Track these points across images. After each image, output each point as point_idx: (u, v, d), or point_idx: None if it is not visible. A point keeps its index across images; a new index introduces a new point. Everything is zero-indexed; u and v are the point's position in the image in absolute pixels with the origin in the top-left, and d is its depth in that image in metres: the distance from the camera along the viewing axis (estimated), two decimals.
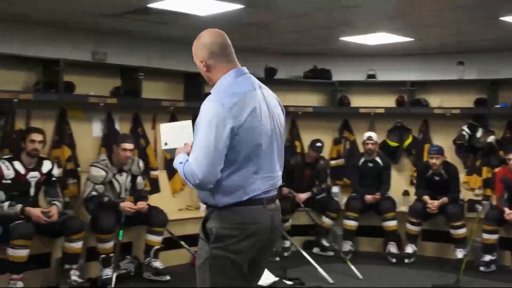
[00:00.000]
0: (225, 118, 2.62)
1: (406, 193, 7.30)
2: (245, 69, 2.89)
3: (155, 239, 5.74)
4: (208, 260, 2.73)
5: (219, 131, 2.61)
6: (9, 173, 5.09)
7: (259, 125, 2.72)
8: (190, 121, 2.94)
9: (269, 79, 7.45)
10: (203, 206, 6.83)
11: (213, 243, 2.72)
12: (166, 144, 2.94)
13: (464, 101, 7.28)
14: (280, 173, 2.89)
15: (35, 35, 5.85)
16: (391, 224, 6.70)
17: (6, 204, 5.02)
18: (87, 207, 5.67)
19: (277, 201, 2.88)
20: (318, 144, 7.09)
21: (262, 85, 2.90)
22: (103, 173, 5.62)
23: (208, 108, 2.67)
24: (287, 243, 6.81)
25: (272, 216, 2.81)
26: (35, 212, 5.07)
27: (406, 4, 5.07)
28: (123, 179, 5.80)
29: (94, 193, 5.59)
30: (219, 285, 2.73)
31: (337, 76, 7.73)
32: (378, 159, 6.99)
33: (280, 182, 2.89)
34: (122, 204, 5.56)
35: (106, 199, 5.58)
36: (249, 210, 2.73)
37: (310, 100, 7.80)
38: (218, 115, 2.62)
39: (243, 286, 2.77)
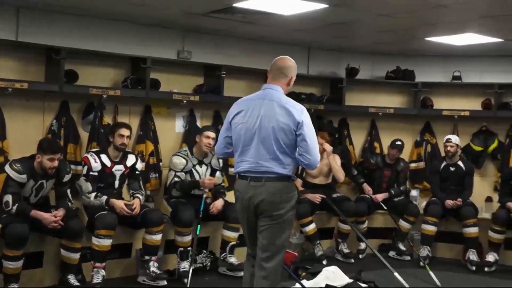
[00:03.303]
0: (228, 115, 3.95)
1: (489, 199, 7.06)
2: (270, 85, 3.92)
3: (231, 235, 5.84)
4: None
5: (224, 123, 4.01)
6: (96, 165, 5.33)
7: (242, 122, 3.82)
8: None
9: (350, 79, 7.41)
10: None
11: None
12: None
13: None
14: (268, 163, 3.74)
15: (124, 33, 6.08)
16: (472, 230, 6.49)
17: (93, 195, 5.27)
18: (168, 200, 5.85)
19: (272, 183, 3.74)
20: (398, 142, 6.98)
21: (272, 96, 3.83)
22: (183, 160, 5.79)
23: None
24: (363, 245, 6.75)
25: (255, 190, 3.76)
26: (119, 204, 5.29)
27: (499, 4, 4.90)
28: (203, 171, 5.92)
29: (176, 179, 5.75)
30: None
31: (420, 77, 7.56)
32: (460, 163, 6.79)
33: (268, 170, 3.74)
34: (202, 181, 5.72)
35: (188, 180, 5.75)
36: (238, 181, 3.91)
37: (392, 101, 7.68)
38: (228, 113, 3.96)
39: (247, 235, 3.98)
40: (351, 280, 5.48)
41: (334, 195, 6.73)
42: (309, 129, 3.75)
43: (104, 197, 5.26)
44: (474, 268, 6.35)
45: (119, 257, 5.56)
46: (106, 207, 5.25)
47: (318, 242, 6.52)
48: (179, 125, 6.52)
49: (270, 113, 3.76)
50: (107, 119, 5.88)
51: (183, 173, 5.79)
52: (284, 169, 3.77)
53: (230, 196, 6.24)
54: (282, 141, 3.73)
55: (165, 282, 5.39)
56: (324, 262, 6.31)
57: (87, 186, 5.28)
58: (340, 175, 6.70)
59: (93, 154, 5.39)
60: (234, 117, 3.89)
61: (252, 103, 3.85)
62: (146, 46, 6.17)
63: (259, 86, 6.97)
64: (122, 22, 6.00)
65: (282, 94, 3.87)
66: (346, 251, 6.66)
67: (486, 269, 6.32)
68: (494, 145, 7.30)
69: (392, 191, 6.99)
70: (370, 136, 7.67)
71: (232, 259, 5.81)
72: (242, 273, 5.69)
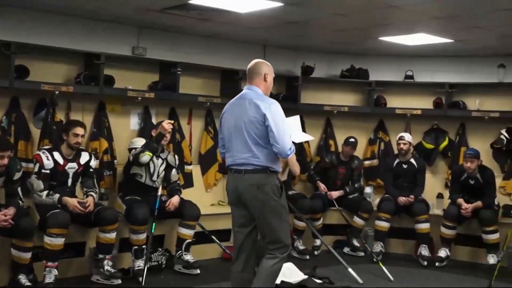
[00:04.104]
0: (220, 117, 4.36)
1: (440, 196, 7.22)
2: (248, 86, 4.23)
3: (187, 232, 5.82)
4: None
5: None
6: (48, 163, 5.23)
7: (225, 122, 4.23)
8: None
9: (305, 77, 7.47)
10: None
11: None
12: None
13: (503, 104, 7.17)
14: (244, 155, 4.07)
15: (78, 29, 5.98)
16: (424, 226, 6.64)
17: (45, 193, 5.16)
18: (123, 198, 5.82)
19: (250, 174, 4.06)
20: (352, 139, 7.09)
21: (246, 95, 4.17)
22: (143, 140, 5.82)
23: None
24: (318, 242, 6.82)
25: (236, 181, 4.12)
26: (72, 202, 5.20)
27: (452, 6, 5.03)
28: (158, 164, 5.88)
29: (138, 149, 5.66)
30: None
31: (374, 76, 7.69)
32: (413, 161, 6.94)
33: (245, 161, 4.07)
34: (162, 125, 5.64)
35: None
36: (228, 174, 4.27)
37: (346, 99, 7.78)
38: None
39: (236, 226, 4.25)
40: (306, 277, 5.54)
41: (290, 192, 6.78)
42: (276, 120, 4.01)
43: (57, 195, 5.16)
44: (425, 263, 6.50)
45: (72, 256, 5.47)
46: (59, 205, 5.15)
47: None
48: (134, 122, 6.46)
49: (243, 109, 4.11)
50: (60, 116, 5.78)
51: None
52: (259, 160, 4.06)
53: (185, 194, 6.24)
54: (254, 133, 4.05)
55: (119, 281, 5.32)
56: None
57: (39, 184, 5.17)
58: (296, 168, 6.72)
59: (45, 151, 5.28)
60: (221, 119, 4.32)
61: (233, 104, 4.24)
62: (100, 42, 6.08)
63: (215, 84, 7.07)
64: (75, 17, 5.90)
65: (258, 93, 4.17)
66: (301, 247, 6.72)
67: (437, 264, 6.47)
68: (445, 143, 7.49)
69: (347, 189, 7.09)
70: (325, 134, 7.76)
71: (188, 257, 5.78)
72: (198, 271, 5.75)
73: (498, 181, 6.94)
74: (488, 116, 7.08)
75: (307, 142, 7.57)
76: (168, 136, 5.82)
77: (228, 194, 4.27)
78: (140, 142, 5.82)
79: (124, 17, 5.96)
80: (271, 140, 4.02)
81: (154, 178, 5.87)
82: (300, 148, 7.42)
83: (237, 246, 4.23)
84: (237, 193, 4.13)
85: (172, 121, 5.88)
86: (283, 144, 4.01)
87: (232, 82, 6.83)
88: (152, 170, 5.84)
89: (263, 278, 4.05)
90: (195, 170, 6.87)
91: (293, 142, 4.19)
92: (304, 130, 7.58)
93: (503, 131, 7.08)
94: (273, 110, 4.04)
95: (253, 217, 4.14)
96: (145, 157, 5.61)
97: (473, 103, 7.30)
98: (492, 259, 6.20)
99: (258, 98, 4.11)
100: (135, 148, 5.73)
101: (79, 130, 5.33)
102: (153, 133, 5.87)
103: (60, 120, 5.73)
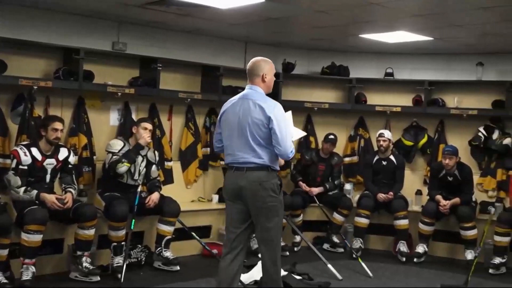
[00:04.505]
0: (219, 115, 4.43)
1: (419, 192, 7.29)
2: (250, 85, 4.34)
3: (167, 229, 5.80)
4: None
5: (216, 122, 4.54)
6: (26, 159, 5.16)
7: (227, 120, 4.30)
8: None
9: (286, 74, 7.48)
10: (215, 198, 6.89)
11: None
12: None
13: (481, 102, 7.24)
14: (246, 155, 4.18)
15: (57, 23, 5.92)
16: (402, 223, 6.70)
17: (22, 189, 5.10)
18: (102, 194, 5.77)
19: (252, 172, 4.17)
20: (331, 136, 7.11)
21: (248, 95, 4.27)
22: (120, 143, 5.76)
23: None
24: (298, 238, 6.85)
25: (237, 178, 4.21)
26: (50, 198, 5.15)
27: (432, 4, 5.06)
28: (139, 162, 5.85)
29: (115, 157, 5.64)
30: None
31: (354, 73, 7.72)
32: (392, 158, 6.99)
33: (247, 160, 4.17)
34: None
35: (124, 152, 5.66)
36: (227, 172, 4.38)
37: (327, 96, 7.81)
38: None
39: (231, 222, 4.34)
40: (285, 273, 5.54)
41: None
42: (279, 123, 4.14)
43: (34, 192, 5.11)
44: (404, 259, 6.56)
45: (50, 253, 5.43)
46: (37, 201, 5.10)
47: (253, 235, 6.54)
48: (113, 118, 6.41)
49: (246, 110, 4.21)
50: (38, 111, 5.71)
51: (120, 155, 5.70)
52: (262, 160, 4.19)
53: (165, 190, 6.22)
54: (257, 134, 4.16)
55: (98, 278, 5.29)
56: (259, 255, 6.34)
57: (16, 180, 5.10)
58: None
59: (23, 147, 5.21)
60: (221, 116, 4.38)
61: (234, 103, 4.31)
62: (79, 37, 6.02)
63: (196, 80, 7.03)
64: (54, 11, 5.84)
65: (259, 92, 4.29)
66: (281, 244, 6.72)
67: (415, 260, 6.53)
68: (424, 140, 7.55)
69: (327, 185, 7.11)
70: (305, 131, 7.76)
71: (168, 254, 5.77)
72: (177, 267, 5.74)
73: (476, 178, 7.02)
74: (467, 114, 7.15)
75: None
76: (148, 139, 5.79)
77: (226, 191, 4.36)
78: (117, 145, 5.75)
79: (104, 12, 5.90)
80: (273, 142, 4.15)
81: (136, 177, 5.84)
82: None
83: (230, 241, 4.32)
84: (237, 189, 4.22)
85: (150, 127, 5.84)
86: (285, 146, 4.15)
87: (213, 78, 6.81)
88: (133, 170, 5.80)
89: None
90: (175, 166, 6.85)
91: None
92: None
93: (481, 129, 7.16)
94: (277, 113, 4.18)
95: (250, 214, 4.25)
96: (123, 168, 5.62)
97: (452, 101, 7.36)
98: (470, 255, 6.28)
99: (261, 100, 4.22)
100: (112, 153, 5.68)
101: (58, 125, 5.27)
102: (134, 130, 5.82)
103: (38, 115, 5.66)
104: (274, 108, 4.18)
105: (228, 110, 4.33)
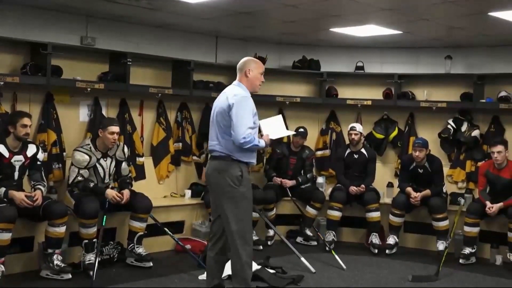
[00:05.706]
0: None
1: (390, 185, 7.36)
2: (234, 82, 4.52)
3: (139, 225, 5.75)
4: None
5: None
6: None
7: (211, 113, 4.52)
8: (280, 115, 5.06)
9: None
10: (188, 194, 6.86)
11: None
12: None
13: (450, 95, 7.34)
14: (213, 142, 4.42)
15: (24, 17, 5.81)
16: (374, 215, 6.76)
17: None
18: (71, 192, 5.65)
19: (214, 160, 4.41)
20: (301, 129, 7.12)
21: (227, 89, 4.48)
22: (86, 157, 5.61)
23: None
24: (271, 232, 6.86)
25: (208, 166, 4.49)
26: (18, 195, 5.06)
27: None
28: (107, 164, 5.78)
29: (79, 178, 5.57)
30: None
31: (325, 67, 7.75)
32: (363, 151, 7.04)
33: (213, 148, 4.41)
34: (108, 191, 5.56)
35: (92, 184, 5.57)
36: None
37: (298, 90, 7.83)
38: None
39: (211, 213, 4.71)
40: (259, 267, 5.55)
41: None
42: (237, 110, 4.24)
43: (3, 189, 5.01)
44: (376, 251, 6.62)
45: (19, 251, 5.34)
46: (5, 199, 5.00)
47: None
48: (83, 113, 6.32)
49: (218, 102, 4.45)
50: (5, 107, 5.60)
51: (86, 170, 5.60)
52: (223, 148, 4.34)
53: (137, 186, 6.17)
54: (222, 123, 4.34)
55: (70, 276, 5.22)
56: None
57: None
58: None
59: None
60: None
61: (218, 97, 4.55)
62: (47, 31, 5.92)
63: (166, 74, 6.98)
64: (21, 5, 5.73)
65: (237, 86, 4.45)
66: (254, 238, 6.73)
67: (387, 251, 6.60)
68: (395, 133, 7.62)
69: (300, 179, 7.12)
70: None
71: (140, 250, 5.72)
72: (150, 264, 5.70)
73: (446, 170, 7.13)
74: (436, 107, 7.24)
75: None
76: (113, 143, 5.72)
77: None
78: (84, 162, 5.55)
79: (72, 6, 5.81)
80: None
81: (106, 180, 5.78)
82: None
83: (214, 231, 4.52)
84: (206, 177, 4.52)
85: (119, 196, 5.60)
86: (238, 132, 4.22)
87: (183, 73, 6.76)
88: (102, 174, 5.73)
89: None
90: (147, 162, 6.80)
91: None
92: None
93: (450, 121, 7.26)
94: (238, 101, 4.27)
95: None
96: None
97: (422, 94, 7.45)
98: (441, 246, 6.37)
99: (231, 91, 4.40)
100: (79, 168, 5.55)
101: (27, 121, 5.18)
102: (100, 134, 5.68)
103: (5, 111, 5.56)
104: (237, 97, 4.30)
105: (212, 105, 4.55)
